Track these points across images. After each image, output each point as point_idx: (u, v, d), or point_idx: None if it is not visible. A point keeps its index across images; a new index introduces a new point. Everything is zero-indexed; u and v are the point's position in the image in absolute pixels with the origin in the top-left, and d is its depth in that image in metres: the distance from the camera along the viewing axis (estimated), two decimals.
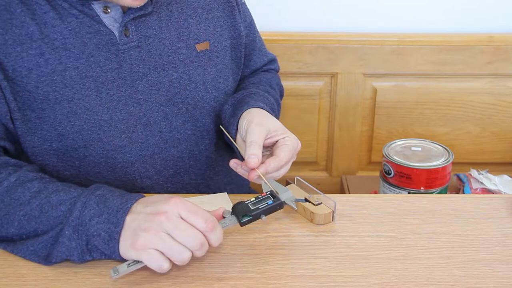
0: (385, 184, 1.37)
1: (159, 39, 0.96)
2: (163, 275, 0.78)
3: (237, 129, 0.96)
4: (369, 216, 0.92)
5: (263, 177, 0.86)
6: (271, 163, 0.87)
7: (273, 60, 1.22)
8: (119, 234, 0.76)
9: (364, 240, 0.86)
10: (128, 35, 0.93)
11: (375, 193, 1.50)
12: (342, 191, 1.71)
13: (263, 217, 0.81)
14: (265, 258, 0.82)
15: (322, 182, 1.77)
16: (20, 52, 0.88)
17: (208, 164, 1.07)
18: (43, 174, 0.88)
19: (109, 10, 0.91)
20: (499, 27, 1.64)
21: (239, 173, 0.91)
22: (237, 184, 1.14)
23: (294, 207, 0.85)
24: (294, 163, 0.94)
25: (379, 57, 1.62)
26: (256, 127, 0.90)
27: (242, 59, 1.10)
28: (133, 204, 0.78)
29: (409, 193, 1.32)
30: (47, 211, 0.80)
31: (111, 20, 0.92)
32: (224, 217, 0.81)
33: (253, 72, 1.18)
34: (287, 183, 0.98)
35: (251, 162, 0.86)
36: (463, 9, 1.64)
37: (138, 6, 0.89)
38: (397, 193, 1.34)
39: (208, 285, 0.77)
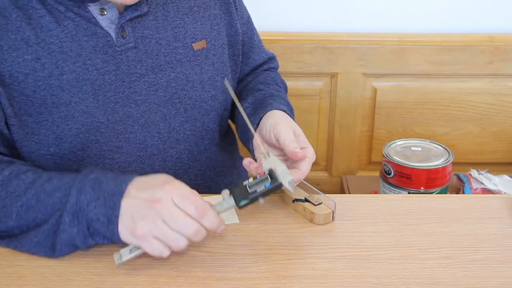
0: (385, 184, 1.37)
1: (156, 39, 0.96)
2: (163, 275, 0.79)
3: (257, 127, 0.97)
4: (369, 216, 0.92)
5: (264, 151, 0.85)
6: (294, 175, 0.87)
7: (272, 58, 1.22)
8: (117, 217, 0.77)
9: (364, 240, 0.86)
10: (125, 36, 0.92)
11: (375, 193, 1.50)
12: (342, 191, 1.70)
13: (261, 200, 0.80)
14: (265, 258, 0.82)
15: (322, 182, 1.77)
16: (16, 58, 0.88)
17: (208, 164, 1.06)
18: (36, 167, 0.89)
19: (105, 12, 0.91)
20: (499, 27, 1.64)
21: (250, 171, 0.91)
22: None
23: (291, 189, 0.82)
24: None
25: (379, 57, 1.62)
26: (284, 127, 0.91)
27: (240, 56, 1.09)
28: (127, 186, 0.79)
29: (409, 193, 1.32)
30: (43, 199, 0.81)
31: (107, 21, 0.92)
32: (223, 199, 0.81)
33: (253, 70, 1.17)
34: None
35: (299, 155, 0.87)
36: (463, 9, 1.64)
37: (132, 3, 0.88)
38: (397, 193, 1.34)
39: (208, 285, 0.77)
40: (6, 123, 0.90)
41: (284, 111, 0.98)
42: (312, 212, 0.90)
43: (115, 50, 0.92)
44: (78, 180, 0.81)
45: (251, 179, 0.81)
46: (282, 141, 0.89)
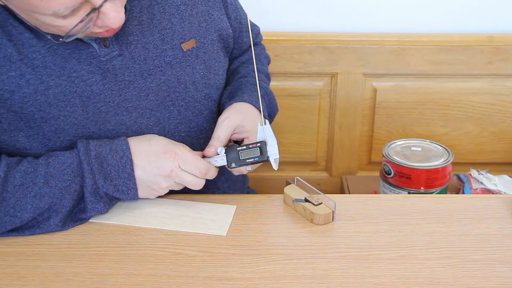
0: (385, 184, 1.37)
1: (142, 44, 0.94)
2: (163, 275, 0.79)
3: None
4: (369, 216, 0.92)
5: (264, 124, 0.93)
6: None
7: (258, 33, 1.24)
8: (135, 184, 0.90)
9: (364, 240, 0.86)
10: (107, 45, 0.91)
11: (375, 193, 1.50)
12: (342, 191, 1.71)
13: (248, 167, 0.95)
14: (265, 258, 0.82)
15: (322, 182, 1.77)
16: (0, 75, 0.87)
17: None
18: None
19: None
20: (499, 27, 1.64)
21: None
22: (235, 183, 1.14)
23: (275, 167, 0.93)
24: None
25: (379, 57, 1.62)
26: (225, 121, 0.97)
27: (230, 48, 1.09)
28: (131, 156, 0.89)
29: (409, 193, 1.32)
30: (55, 185, 0.86)
31: None
32: (218, 155, 0.94)
33: (244, 52, 1.18)
34: (287, 183, 0.98)
35: (208, 152, 0.95)
36: (463, 9, 1.64)
37: (116, 32, 0.87)
38: (397, 193, 1.34)
39: (208, 285, 0.77)
40: None
41: (245, 101, 1.02)
42: (312, 212, 0.90)
43: (99, 61, 0.91)
44: (85, 162, 0.87)
45: (243, 147, 0.94)
46: (212, 136, 0.97)
